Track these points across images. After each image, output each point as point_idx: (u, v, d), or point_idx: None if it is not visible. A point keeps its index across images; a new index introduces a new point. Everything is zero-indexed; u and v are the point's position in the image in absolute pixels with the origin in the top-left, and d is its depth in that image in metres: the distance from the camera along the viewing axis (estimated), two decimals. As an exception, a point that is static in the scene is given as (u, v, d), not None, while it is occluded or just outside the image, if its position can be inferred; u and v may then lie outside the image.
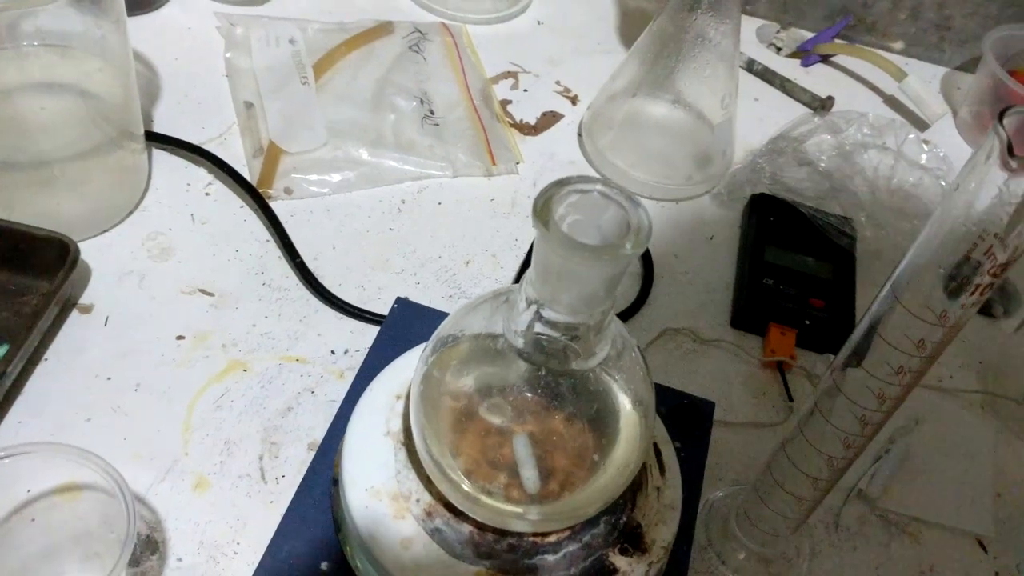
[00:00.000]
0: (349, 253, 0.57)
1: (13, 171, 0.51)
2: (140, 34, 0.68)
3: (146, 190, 0.58)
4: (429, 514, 0.38)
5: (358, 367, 0.49)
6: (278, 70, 0.66)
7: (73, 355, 0.49)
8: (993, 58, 0.72)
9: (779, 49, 0.82)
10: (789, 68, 0.79)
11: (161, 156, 0.60)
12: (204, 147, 0.60)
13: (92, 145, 0.52)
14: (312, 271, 0.55)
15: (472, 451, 0.36)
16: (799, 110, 0.75)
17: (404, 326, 0.50)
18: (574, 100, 0.72)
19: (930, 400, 0.56)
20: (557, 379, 0.35)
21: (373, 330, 0.52)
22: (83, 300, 0.51)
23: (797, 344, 0.57)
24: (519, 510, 0.36)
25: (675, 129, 0.67)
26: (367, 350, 0.51)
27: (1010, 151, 0.27)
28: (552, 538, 0.38)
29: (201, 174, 0.60)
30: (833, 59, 0.82)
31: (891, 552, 0.49)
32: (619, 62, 0.67)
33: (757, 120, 0.73)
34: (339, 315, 0.53)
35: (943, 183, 0.67)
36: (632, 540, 0.39)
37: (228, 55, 0.67)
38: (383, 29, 0.72)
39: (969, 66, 0.83)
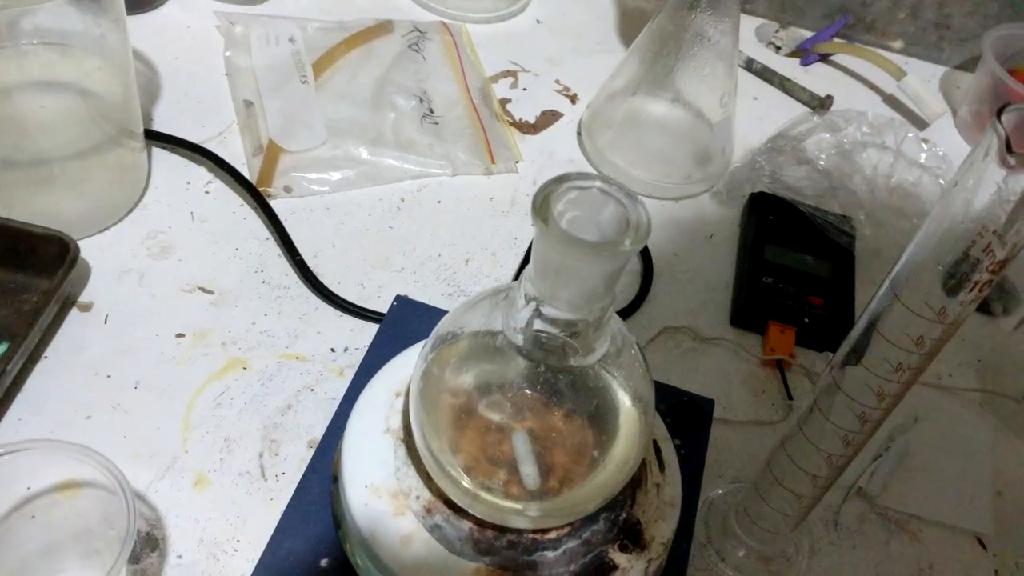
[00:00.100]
0: (349, 251, 0.57)
1: (12, 169, 0.51)
2: (140, 33, 0.68)
3: (146, 188, 0.58)
4: (429, 511, 0.38)
5: (357, 365, 0.49)
6: (278, 69, 0.66)
7: (73, 353, 0.49)
8: (993, 57, 0.72)
9: (778, 48, 0.82)
10: (788, 67, 0.79)
11: (161, 155, 0.60)
12: (204, 146, 0.60)
13: (92, 143, 0.52)
14: (312, 269, 0.55)
15: (472, 448, 0.36)
16: (798, 109, 0.75)
17: (403, 324, 0.50)
18: (573, 99, 0.72)
19: (929, 398, 0.56)
20: (556, 376, 0.35)
21: (372, 328, 0.52)
22: (83, 298, 0.51)
23: (796, 342, 0.57)
24: (519, 506, 0.36)
25: (674, 128, 0.67)
26: (366, 348, 0.51)
27: (1008, 148, 0.27)
28: (552, 534, 0.38)
29: (201, 172, 0.60)
30: (832, 58, 0.82)
31: (891, 550, 0.49)
32: (618, 61, 0.67)
33: (756, 119, 0.73)
34: (339, 313, 0.54)
35: (942, 182, 0.67)
36: (632, 537, 0.39)
37: (228, 54, 0.67)
38: (382, 28, 0.72)
39: (968, 65, 0.83)
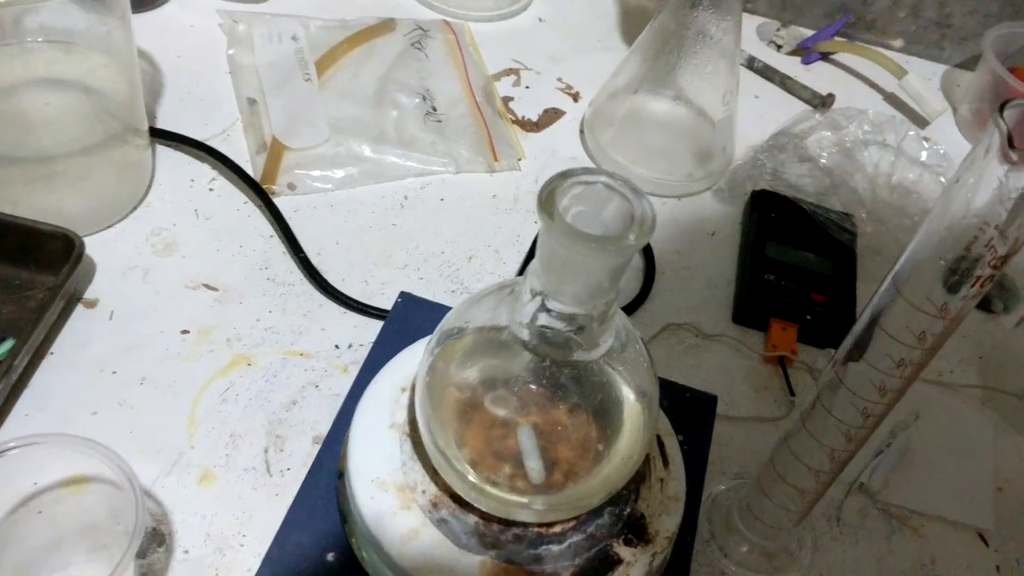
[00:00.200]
0: (352, 248, 0.57)
1: (17, 166, 0.51)
2: (142, 31, 0.68)
3: (150, 186, 0.58)
4: (435, 505, 0.38)
5: (361, 361, 0.50)
6: (281, 67, 0.66)
7: (78, 349, 0.49)
8: (993, 55, 0.72)
9: (779, 47, 0.82)
10: (789, 65, 0.80)
11: (165, 152, 0.60)
12: (207, 143, 0.60)
13: (96, 141, 0.53)
14: (316, 266, 0.55)
15: (477, 442, 0.36)
16: (799, 107, 0.76)
17: (408, 320, 0.50)
18: (575, 97, 0.72)
19: (930, 395, 0.57)
20: (561, 370, 0.35)
21: (376, 324, 0.53)
22: (88, 295, 0.52)
23: (798, 339, 0.57)
24: (524, 500, 0.36)
25: (676, 126, 0.67)
26: (370, 344, 0.51)
27: (1010, 143, 0.28)
28: (557, 528, 0.38)
29: (205, 170, 0.60)
30: (833, 57, 0.82)
31: (892, 545, 0.49)
32: (620, 59, 0.67)
33: (757, 117, 0.73)
34: (343, 310, 0.54)
35: (943, 180, 0.67)
36: (636, 531, 0.39)
37: (231, 52, 0.67)
38: (385, 26, 0.72)
39: (969, 63, 0.83)
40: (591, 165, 0.67)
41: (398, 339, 0.46)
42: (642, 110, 0.67)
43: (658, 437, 0.43)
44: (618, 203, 0.31)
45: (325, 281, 0.54)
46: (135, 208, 0.56)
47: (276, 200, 0.58)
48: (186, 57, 0.67)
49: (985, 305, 0.62)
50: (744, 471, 0.50)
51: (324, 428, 0.47)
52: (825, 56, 0.82)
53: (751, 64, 0.79)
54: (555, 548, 0.38)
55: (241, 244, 0.56)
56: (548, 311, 0.33)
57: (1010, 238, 0.29)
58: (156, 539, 0.43)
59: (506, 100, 0.70)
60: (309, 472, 0.43)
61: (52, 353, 0.49)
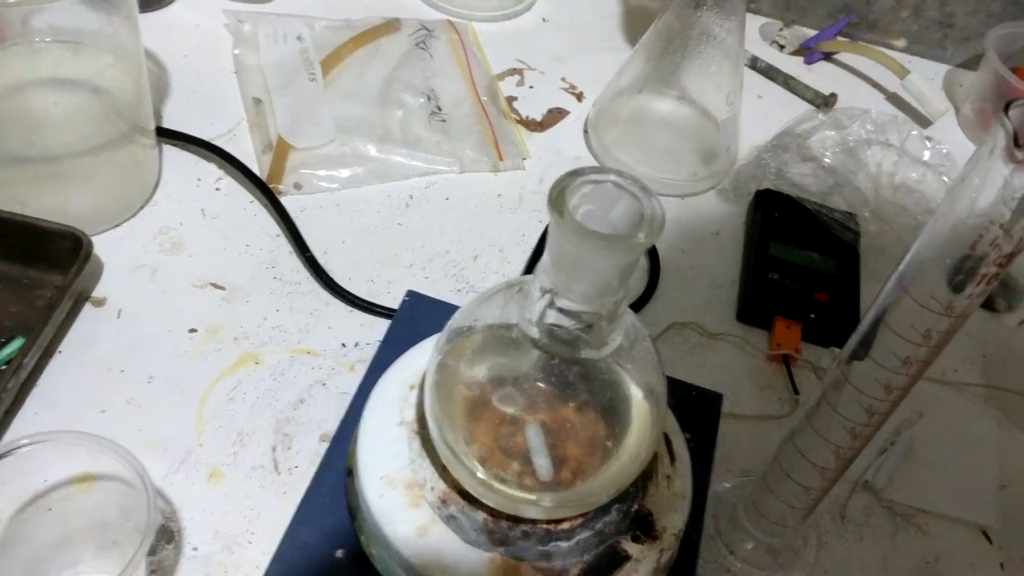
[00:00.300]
0: (358, 248, 0.58)
1: (26, 166, 0.51)
2: (148, 31, 0.67)
3: (157, 185, 0.58)
4: (444, 502, 0.38)
5: (368, 360, 0.50)
6: (286, 67, 0.66)
7: (87, 348, 0.49)
8: (995, 55, 0.72)
9: (782, 47, 0.82)
10: (792, 65, 0.80)
11: (171, 152, 0.61)
12: (214, 143, 0.60)
13: (104, 140, 0.53)
14: (322, 265, 0.55)
15: (486, 439, 0.36)
16: (802, 107, 0.76)
17: (415, 319, 0.50)
18: (579, 97, 0.73)
19: (934, 393, 0.57)
20: (570, 368, 0.35)
21: (382, 323, 0.53)
22: (96, 293, 0.52)
23: (802, 338, 0.57)
24: (532, 497, 0.36)
25: (680, 125, 0.67)
26: (377, 343, 0.51)
27: (1016, 142, 0.28)
28: (565, 525, 0.38)
29: (211, 169, 0.60)
30: (836, 56, 0.82)
31: (897, 543, 0.49)
32: (623, 59, 0.67)
33: (761, 117, 0.73)
34: (349, 309, 0.54)
35: (946, 179, 0.67)
36: (643, 527, 0.39)
37: (236, 52, 0.67)
38: (389, 26, 0.72)
39: (971, 63, 0.83)
40: (594, 165, 0.67)
41: (405, 338, 0.46)
42: (646, 110, 0.67)
43: (665, 435, 0.43)
44: (627, 202, 0.32)
45: (332, 280, 0.54)
46: (142, 207, 0.57)
47: (282, 199, 0.58)
48: (192, 57, 0.68)
49: (988, 304, 0.62)
50: (748, 469, 0.51)
51: (331, 426, 0.48)
52: (828, 56, 0.82)
53: (754, 64, 0.79)
54: (563, 545, 0.38)
55: (248, 243, 0.56)
56: (557, 309, 0.33)
57: (1015, 236, 0.29)
58: (165, 536, 0.43)
59: (510, 100, 0.71)
60: (318, 470, 0.44)
61: (60, 352, 0.49)
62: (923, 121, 0.76)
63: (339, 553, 0.40)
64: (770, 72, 0.78)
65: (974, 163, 0.30)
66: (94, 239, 0.51)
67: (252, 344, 0.51)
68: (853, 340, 0.37)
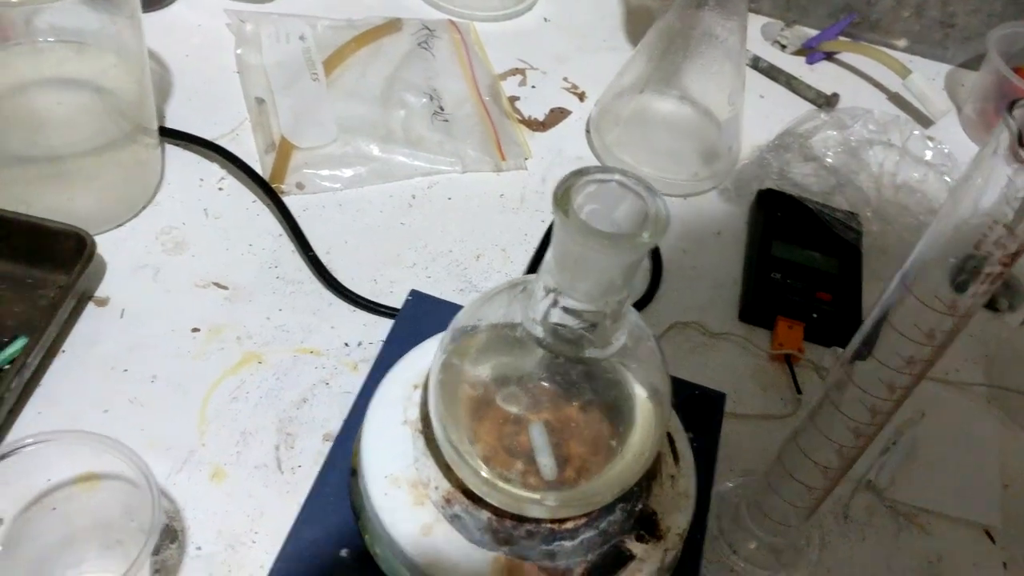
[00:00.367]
0: (361, 247, 0.58)
1: (29, 165, 0.51)
2: (150, 31, 0.67)
3: (159, 185, 0.58)
4: (448, 501, 0.38)
5: (371, 359, 0.50)
6: (289, 66, 0.66)
7: (90, 347, 0.49)
8: (997, 55, 0.73)
9: (783, 47, 0.82)
10: (794, 65, 0.80)
11: (174, 151, 0.61)
12: (216, 143, 0.60)
13: (107, 140, 0.53)
14: (325, 265, 0.55)
15: (490, 438, 0.37)
16: (804, 107, 0.76)
17: (418, 318, 0.50)
18: (581, 96, 0.73)
19: (936, 393, 0.57)
20: (574, 367, 0.35)
21: (385, 323, 0.53)
22: (99, 293, 0.52)
23: (805, 337, 0.57)
24: (536, 496, 0.36)
25: (682, 125, 0.67)
26: (379, 342, 0.51)
27: (1020, 142, 0.28)
28: (569, 524, 0.38)
29: (214, 169, 0.60)
30: (837, 56, 0.82)
31: (900, 542, 0.49)
32: (625, 59, 0.67)
33: (762, 117, 0.73)
34: (352, 308, 0.54)
35: (948, 179, 0.67)
36: (648, 527, 0.39)
37: (239, 51, 0.67)
38: (391, 26, 0.72)
39: (973, 63, 0.83)
40: (598, 164, 0.67)
41: (409, 337, 0.46)
42: (648, 110, 0.67)
43: (668, 434, 0.43)
44: (631, 202, 0.32)
45: (335, 280, 0.54)
46: (145, 207, 0.57)
47: (285, 199, 0.58)
48: (194, 57, 0.68)
49: (991, 304, 0.62)
50: (751, 468, 0.51)
51: (334, 425, 0.48)
52: (829, 56, 0.82)
53: (756, 64, 0.79)
54: (568, 544, 0.38)
55: (250, 243, 0.56)
56: (561, 308, 0.33)
57: (1019, 235, 0.29)
58: (169, 535, 0.43)
59: (512, 100, 0.71)
60: (321, 469, 0.44)
61: (63, 351, 0.49)
62: (925, 121, 0.76)
63: (343, 552, 0.40)
64: (772, 72, 0.79)
65: (978, 163, 0.30)
66: (97, 239, 0.51)
67: (255, 344, 0.51)
68: (856, 339, 0.37)
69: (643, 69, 0.65)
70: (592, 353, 0.35)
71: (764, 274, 0.59)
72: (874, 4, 0.82)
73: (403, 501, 0.38)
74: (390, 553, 0.38)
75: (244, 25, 0.69)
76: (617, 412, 0.37)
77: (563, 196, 0.30)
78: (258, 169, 0.59)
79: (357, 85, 0.67)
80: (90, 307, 0.51)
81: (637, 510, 0.40)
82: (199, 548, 0.43)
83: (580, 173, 0.31)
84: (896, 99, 0.79)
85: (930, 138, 0.69)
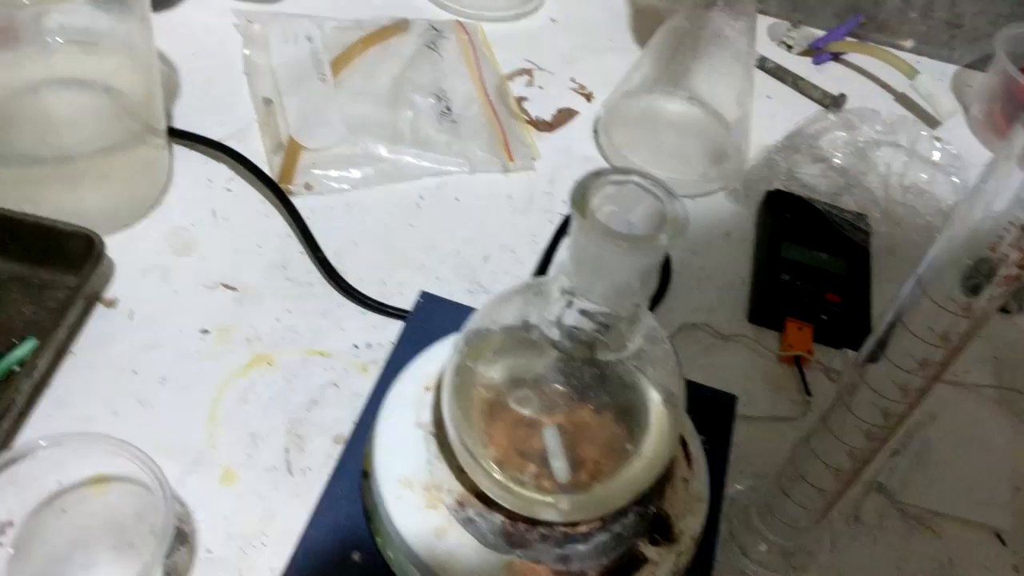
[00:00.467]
0: (370, 248, 0.57)
1: (39, 166, 0.51)
2: (158, 31, 0.67)
3: (167, 186, 0.58)
4: (461, 504, 0.38)
5: (380, 361, 0.50)
6: (296, 67, 0.66)
7: (99, 349, 0.49)
8: (1005, 56, 0.72)
9: (790, 47, 0.82)
10: (800, 66, 0.80)
11: (182, 152, 0.60)
12: (224, 143, 0.60)
13: (116, 140, 0.53)
14: (334, 266, 0.55)
15: (504, 441, 0.36)
16: (811, 108, 0.76)
17: (429, 320, 0.50)
18: (589, 97, 0.72)
19: (946, 395, 0.57)
20: (589, 370, 0.35)
21: (394, 324, 0.53)
22: (108, 294, 0.52)
23: (814, 339, 0.57)
24: (550, 500, 0.36)
25: (690, 126, 0.67)
26: (389, 344, 0.51)
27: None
28: (583, 528, 0.38)
29: (222, 170, 0.60)
30: (844, 57, 0.82)
31: (911, 545, 0.49)
32: (632, 59, 0.67)
33: (770, 117, 0.73)
34: (361, 309, 0.54)
35: (956, 180, 0.67)
36: (661, 530, 0.39)
37: (246, 52, 0.67)
38: (399, 27, 0.72)
39: (979, 64, 0.83)
40: (605, 165, 0.67)
41: (419, 339, 0.46)
42: (656, 110, 0.67)
43: (681, 437, 0.43)
44: (648, 204, 0.32)
45: (344, 281, 0.54)
46: (153, 208, 0.57)
47: (293, 200, 0.58)
48: (201, 57, 0.68)
49: (1001, 305, 0.62)
50: (761, 471, 0.50)
51: (344, 427, 0.48)
52: (836, 56, 0.82)
53: (763, 64, 0.79)
54: (581, 548, 0.38)
55: (259, 244, 0.56)
56: (578, 310, 0.33)
57: (1035, 239, 0.29)
58: (179, 538, 0.43)
59: (520, 100, 0.71)
60: (334, 472, 0.43)
61: (73, 353, 0.49)
62: (932, 122, 0.76)
63: (356, 556, 0.40)
64: (779, 72, 0.78)
65: (993, 166, 0.30)
66: (106, 240, 0.51)
67: (264, 345, 0.51)
68: (870, 341, 0.36)
69: (651, 70, 0.65)
70: (607, 356, 0.34)
71: (773, 275, 0.59)
72: (881, 4, 0.82)
73: (416, 504, 0.38)
74: (403, 556, 0.38)
75: (252, 25, 0.69)
76: (632, 415, 0.37)
77: (581, 198, 0.30)
78: (266, 170, 0.59)
79: (365, 86, 0.66)
80: (99, 308, 0.51)
81: (650, 513, 0.39)
82: (209, 551, 0.43)
83: (598, 174, 0.31)
84: (903, 100, 0.79)
85: (937, 139, 0.69)
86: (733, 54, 0.62)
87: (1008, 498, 0.52)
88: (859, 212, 0.64)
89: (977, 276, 0.32)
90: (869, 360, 0.36)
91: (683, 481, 0.41)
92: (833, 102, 0.75)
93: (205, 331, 0.51)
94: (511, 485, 0.36)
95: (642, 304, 0.34)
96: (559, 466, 0.36)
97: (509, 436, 0.37)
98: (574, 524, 0.38)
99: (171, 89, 0.65)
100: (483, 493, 0.38)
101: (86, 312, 0.50)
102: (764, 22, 0.84)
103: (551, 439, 0.37)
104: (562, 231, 0.60)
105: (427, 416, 0.41)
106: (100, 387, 0.48)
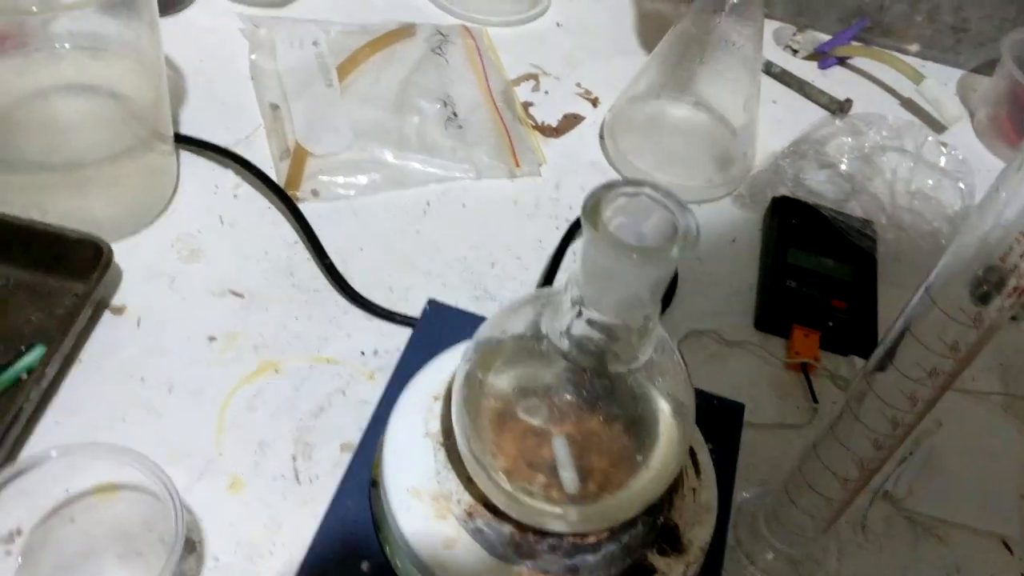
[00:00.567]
0: (376, 255, 0.57)
1: (47, 172, 0.51)
2: (164, 36, 0.68)
3: (175, 192, 0.58)
4: (470, 514, 0.38)
5: (387, 368, 0.50)
6: (302, 72, 0.66)
7: (107, 356, 0.49)
8: (1011, 60, 0.72)
9: (795, 51, 0.82)
10: (806, 70, 0.80)
11: (188, 158, 0.60)
12: (231, 149, 0.60)
13: (123, 146, 0.53)
14: (341, 272, 0.55)
15: (513, 451, 0.36)
16: (816, 112, 0.76)
17: (436, 328, 0.50)
18: (595, 102, 0.72)
19: (953, 402, 0.57)
20: (599, 381, 0.35)
21: (402, 331, 0.53)
22: (115, 301, 0.52)
23: (820, 346, 0.57)
24: (559, 510, 0.36)
25: (696, 131, 0.67)
26: (396, 351, 0.51)
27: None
28: (592, 539, 0.38)
29: (228, 176, 0.60)
30: (850, 61, 0.82)
31: (917, 553, 0.49)
32: (638, 64, 0.67)
33: (775, 122, 0.73)
34: (368, 316, 0.54)
35: (961, 185, 0.67)
36: (670, 541, 0.39)
37: (253, 57, 0.67)
38: (405, 32, 0.72)
39: (985, 68, 0.83)
40: (611, 170, 0.67)
41: (426, 347, 0.46)
42: (662, 116, 0.67)
43: (690, 447, 0.43)
44: (659, 216, 0.32)
45: (351, 288, 0.54)
46: (160, 214, 0.57)
47: (300, 206, 0.58)
48: (207, 62, 0.68)
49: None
50: (768, 478, 0.50)
51: (352, 435, 0.47)
52: (842, 61, 0.82)
53: (768, 69, 0.79)
54: (590, 558, 0.38)
55: (266, 250, 0.56)
56: (588, 321, 0.33)
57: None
58: (187, 546, 0.43)
59: (526, 105, 0.71)
60: (342, 482, 0.43)
61: (81, 360, 0.49)
62: (937, 127, 0.76)
63: (364, 565, 0.40)
64: (784, 77, 0.78)
65: (1004, 176, 0.30)
66: (113, 247, 0.51)
67: (271, 352, 0.51)
68: (880, 351, 0.36)
69: (658, 75, 0.65)
70: (617, 367, 0.34)
71: (779, 282, 0.59)
72: (886, 9, 0.82)
73: (425, 514, 0.38)
74: (412, 567, 0.38)
75: (258, 30, 0.69)
76: (641, 426, 0.37)
77: (593, 209, 0.30)
78: (273, 176, 0.59)
79: (371, 91, 0.66)
80: (107, 315, 0.51)
81: (659, 524, 0.39)
82: (217, 559, 0.43)
83: (609, 186, 0.31)
84: (909, 104, 0.79)
85: (943, 144, 0.69)
86: (740, 59, 0.62)
87: (1015, 505, 0.52)
88: (865, 218, 0.64)
89: (987, 285, 0.32)
90: (877, 369, 0.36)
91: (692, 491, 0.41)
92: (839, 107, 0.75)
93: (212, 338, 0.51)
94: (520, 495, 0.36)
95: (653, 316, 0.34)
96: (568, 477, 0.36)
97: (518, 446, 0.37)
98: (583, 535, 0.38)
99: (177, 95, 0.65)
100: (492, 503, 0.38)
101: (94, 319, 0.50)
102: (769, 26, 0.84)
103: (560, 449, 0.37)
104: (569, 237, 0.60)
105: (436, 426, 0.41)
106: (108, 394, 0.48)
